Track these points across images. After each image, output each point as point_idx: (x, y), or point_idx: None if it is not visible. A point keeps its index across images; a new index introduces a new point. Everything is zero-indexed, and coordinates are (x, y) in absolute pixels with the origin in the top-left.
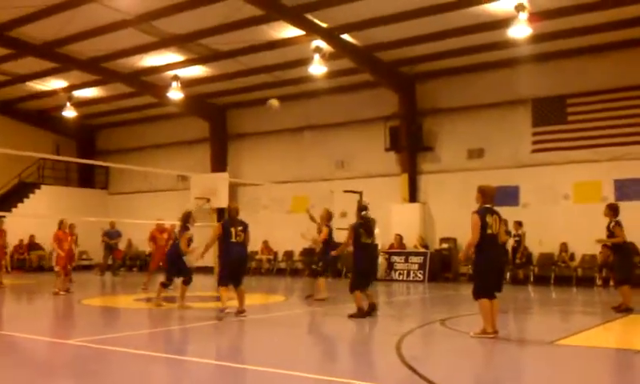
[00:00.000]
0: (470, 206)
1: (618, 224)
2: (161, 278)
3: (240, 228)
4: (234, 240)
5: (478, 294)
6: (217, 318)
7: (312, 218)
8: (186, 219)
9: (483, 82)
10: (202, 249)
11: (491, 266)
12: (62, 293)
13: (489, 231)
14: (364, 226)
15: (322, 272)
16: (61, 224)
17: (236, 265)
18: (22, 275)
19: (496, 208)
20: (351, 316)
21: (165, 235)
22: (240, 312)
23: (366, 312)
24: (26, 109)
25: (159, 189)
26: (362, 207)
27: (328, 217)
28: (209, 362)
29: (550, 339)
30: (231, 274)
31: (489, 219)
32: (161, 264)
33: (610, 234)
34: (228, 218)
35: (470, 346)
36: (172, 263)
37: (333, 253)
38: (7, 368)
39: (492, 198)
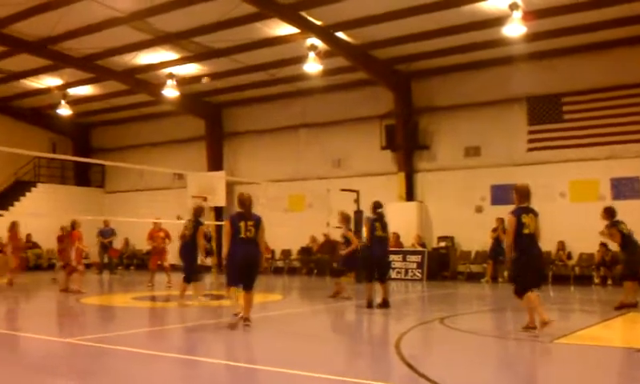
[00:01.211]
0: (468, 203)
1: (613, 225)
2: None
3: (251, 222)
4: (242, 236)
5: (522, 292)
6: (230, 327)
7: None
8: (199, 214)
9: (479, 80)
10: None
11: (530, 266)
12: (81, 291)
13: (525, 231)
14: (379, 221)
15: (343, 271)
16: (75, 224)
17: (243, 265)
18: (19, 274)
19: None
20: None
21: (162, 234)
22: (245, 319)
23: (380, 305)
24: (21, 107)
25: (155, 187)
26: (377, 204)
27: (348, 219)
28: (206, 361)
29: (549, 338)
30: (240, 274)
31: (525, 219)
32: (159, 263)
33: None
34: (238, 211)
35: (469, 344)
36: (188, 259)
37: (342, 252)
38: (5, 366)
39: (528, 197)
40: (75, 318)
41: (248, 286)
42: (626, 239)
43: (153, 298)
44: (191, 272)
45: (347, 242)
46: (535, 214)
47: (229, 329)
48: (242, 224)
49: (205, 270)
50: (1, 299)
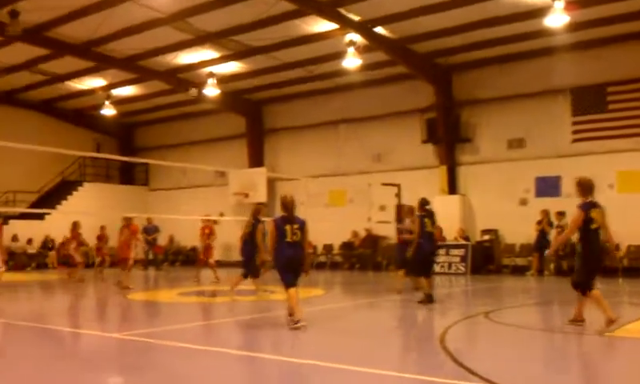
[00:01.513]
0: (511, 196)
1: None
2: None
3: (296, 226)
4: (289, 240)
5: (586, 289)
6: (291, 329)
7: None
8: (258, 213)
9: (521, 72)
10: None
11: (597, 262)
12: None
13: (593, 226)
14: (429, 217)
15: (403, 265)
16: (129, 220)
17: (289, 268)
18: (67, 270)
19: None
20: (420, 302)
21: (207, 231)
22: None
23: (423, 300)
24: (66, 108)
25: (198, 184)
26: (424, 201)
27: (412, 211)
28: (251, 355)
29: (598, 331)
30: (292, 274)
31: (594, 214)
32: (205, 259)
33: None
34: (282, 215)
35: (514, 338)
36: (246, 256)
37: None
38: (55, 360)
39: (592, 190)
40: (122, 314)
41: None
42: None
43: (199, 294)
44: (249, 269)
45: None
46: (602, 209)
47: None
48: (287, 228)
49: (264, 267)
50: (50, 295)
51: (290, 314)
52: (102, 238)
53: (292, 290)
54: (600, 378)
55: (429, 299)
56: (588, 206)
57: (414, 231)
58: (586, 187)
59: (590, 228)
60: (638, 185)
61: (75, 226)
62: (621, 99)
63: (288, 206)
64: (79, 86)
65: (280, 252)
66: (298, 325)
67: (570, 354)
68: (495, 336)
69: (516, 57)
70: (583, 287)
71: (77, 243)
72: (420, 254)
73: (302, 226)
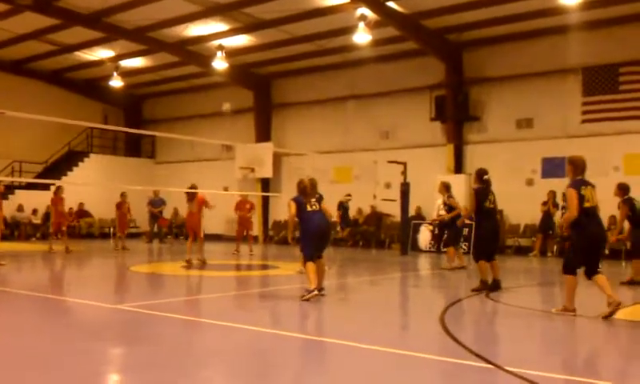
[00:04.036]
0: (518, 176)
1: (624, 202)
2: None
3: (314, 199)
4: (310, 209)
5: (567, 269)
6: (302, 299)
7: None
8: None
9: (532, 50)
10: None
11: (591, 242)
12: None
13: (586, 204)
14: (487, 191)
15: (451, 242)
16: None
17: (317, 235)
18: (72, 242)
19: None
20: (474, 290)
21: (248, 205)
22: (319, 290)
23: (491, 286)
24: (75, 78)
25: (204, 158)
26: (482, 171)
27: (448, 187)
28: (256, 330)
29: (599, 313)
30: (315, 245)
31: (584, 192)
32: (245, 233)
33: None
34: (299, 195)
35: (514, 318)
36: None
37: (459, 222)
38: (60, 329)
39: (583, 169)
40: (125, 286)
41: (319, 255)
42: (638, 217)
43: (202, 266)
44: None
45: (450, 209)
46: (593, 186)
47: (301, 300)
48: (306, 201)
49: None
50: (56, 266)
51: (308, 291)
52: (120, 206)
53: (309, 266)
54: (591, 359)
55: (484, 286)
56: (578, 184)
57: (455, 205)
58: (577, 165)
59: (582, 207)
60: None
61: (58, 190)
62: (633, 80)
63: (306, 190)
64: (88, 56)
65: (306, 220)
66: (310, 295)
67: (566, 336)
68: (494, 315)
69: (527, 35)
70: (565, 267)
71: (56, 210)
72: (479, 233)
73: (320, 199)
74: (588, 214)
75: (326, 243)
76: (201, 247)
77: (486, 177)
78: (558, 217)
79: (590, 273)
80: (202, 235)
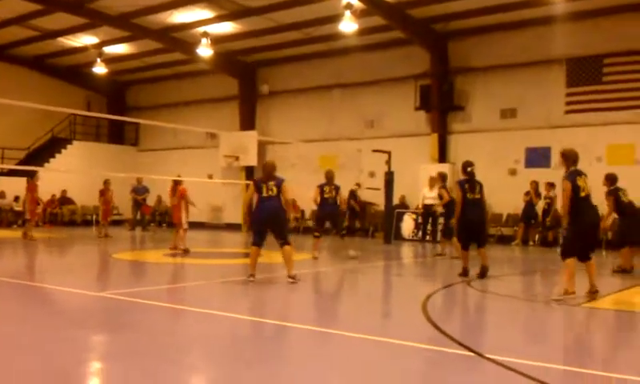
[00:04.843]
0: (501, 166)
1: (610, 193)
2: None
3: (272, 182)
4: (265, 194)
5: (566, 254)
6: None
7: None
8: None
9: (518, 41)
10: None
11: (585, 229)
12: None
13: (582, 194)
14: (469, 182)
15: (450, 231)
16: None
17: (261, 220)
18: (54, 229)
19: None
20: (460, 274)
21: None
22: (290, 277)
23: (479, 274)
24: (58, 64)
25: (188, 146)
26: (467, 163)
27: (444, 177)
28: (239, 317)
29: (576, 301)
30: (259, 230)
31: (580, 182)
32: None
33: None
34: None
35: (495, 306)
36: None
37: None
38: (40, 317)
39: (575, 161)
40: (107, 273)
41: (280, 241)
42: (623, 207)
43: (184, 254)
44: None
45: (441, 199)
46: (585, 176)
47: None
48: (263, 186)
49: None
50: (36, 254)
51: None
52: (104, 193)
53: (253, 250)
54: (573, 347)
55: (464, 273)
56: (573, 175)
57: (443, 194)
58: (569, 157)
59: (578, 197)
60: (627, 157)
61: (33, 177)
62: (617, 71)
63: (265, 169)
64: (71, 42)
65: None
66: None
67: (545, 322)
68: (476, 304)
69: (513, 25)
70: (563, 253)
71: (31, 197)
72: (463, 223)
73: (279, 183)
74: (584, 203)
75: (277, 230)
76: (182, 237)
77: (469, 169)
78: (540, 207)
79: (583, 258)
80: (183, 226)
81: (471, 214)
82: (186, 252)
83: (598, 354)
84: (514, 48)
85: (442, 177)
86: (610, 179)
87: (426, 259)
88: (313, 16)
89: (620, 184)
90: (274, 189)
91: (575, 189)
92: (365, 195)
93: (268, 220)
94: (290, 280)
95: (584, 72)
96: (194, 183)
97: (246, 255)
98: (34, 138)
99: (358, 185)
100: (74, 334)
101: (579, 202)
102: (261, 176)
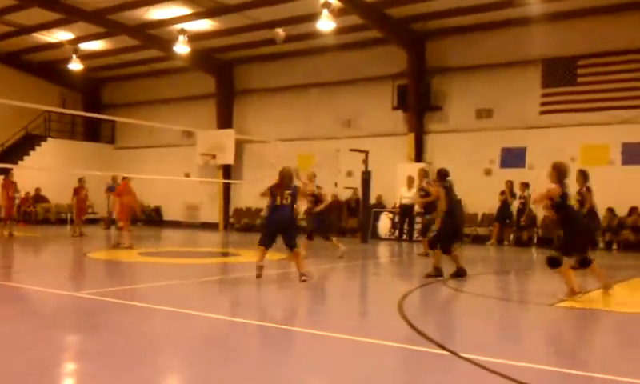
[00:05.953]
0: (477, 166)
1: (588, 189)
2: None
3: (288, 192)
4: (278, 203)
5: (563, 256)
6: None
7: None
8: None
9: (494, 41)
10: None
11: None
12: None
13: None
14: (452, 188)
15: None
16: (121, 179)
17: (273, 227)
18: (28, 228)
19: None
20: (428, 275)
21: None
22: (302, 274)
23: (455, 274)
24: (32, 60)
25: (165, 144)
26: (444, 173)
27: (426, 173)
28: (215, 317)
29: (549, 301)
30: (271, 236)
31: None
32: None
33: (581, 198)
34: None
35: (470, 305)
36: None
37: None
38: (13, 317)
39: (566, 176)
40: (82, 273)
41: (288, 246)
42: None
43: (157, 254)
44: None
45: (426, 194)
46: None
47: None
48: (277, 193)
49: None
50: (9, 252)
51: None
52: (78, 191)
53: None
54: (548, 346)
55: (438, 273)
56: (563, 185)
57: (430, 190)
58: (561, 172)
59: (567, 204)
60: (601, 158)
61: (8, 175)
62: (591, 72)
63: (283, 180)
64: (46, 38)
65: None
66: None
67: (518, 322)
68: (452, 303)
69: (490, 26)
70: (563, 255)
71: (6, 194)
72: (451, 226)
73: (294, 191)
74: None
75: (288, 236)
76: (125, 234)
77: (449, 178)
78: (515, 207)
79: (584, 265)
80: (122, 223)
81: (459, 216)
82: (129, 248)
83: (572, 353)
84: (491, 48)
85: (425, 173)
86: (584, 175)
87: (403, 258)
88: (290, 14)
89: (594, 184)
90: (289, 198)
91: (564, 196)
92: (342, 195)
93: (281, 227)
94: (303, 278)
95: (558, 73)
96: (171, 181)
97: (223, 254)
98: (7, 135)
99: (335, 184)
100: (49, 334)
101: (569, 211)
102: (277, 183)
